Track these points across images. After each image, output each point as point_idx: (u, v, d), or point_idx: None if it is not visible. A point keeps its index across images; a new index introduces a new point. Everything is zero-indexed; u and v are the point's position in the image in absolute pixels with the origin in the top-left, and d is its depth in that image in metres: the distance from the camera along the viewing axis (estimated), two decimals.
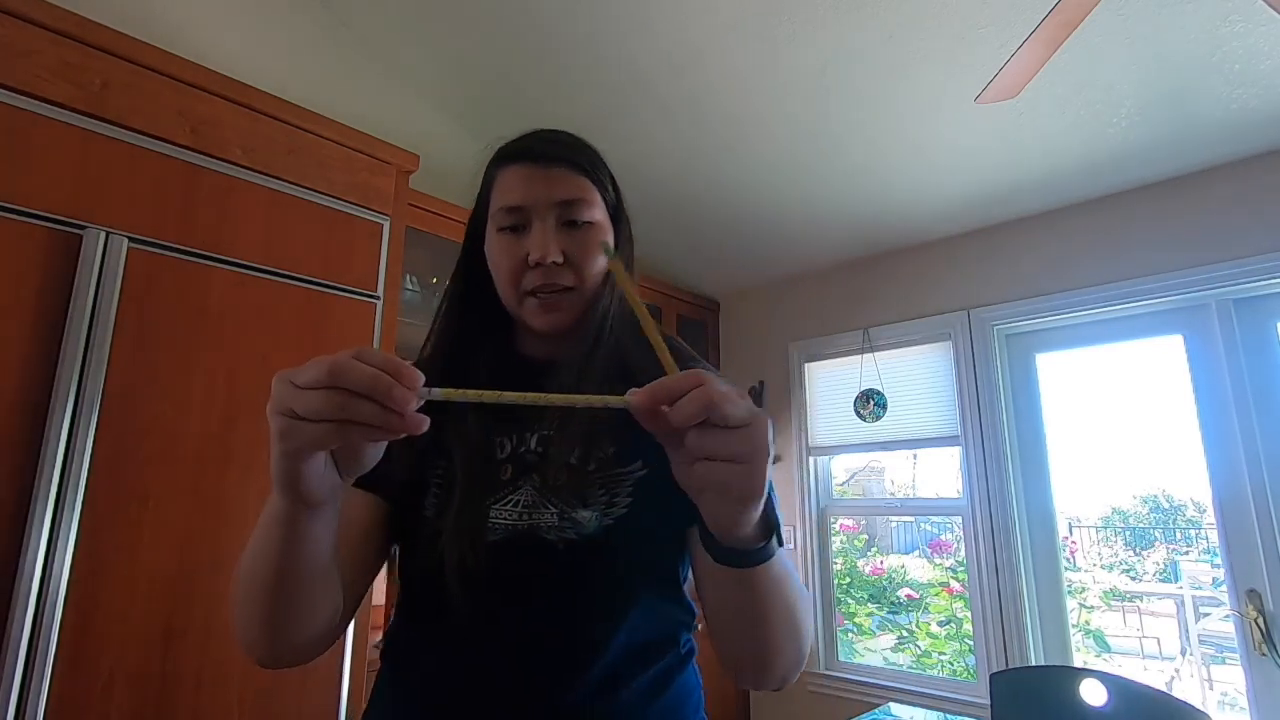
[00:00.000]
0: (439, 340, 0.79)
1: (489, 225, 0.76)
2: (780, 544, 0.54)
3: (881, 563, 3.08)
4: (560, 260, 0.71)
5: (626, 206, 0.81)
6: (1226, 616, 2.18)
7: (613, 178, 0.79)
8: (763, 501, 0.47)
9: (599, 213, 0.75)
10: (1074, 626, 2.46)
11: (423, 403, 0.43)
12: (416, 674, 0.69)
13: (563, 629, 0.65)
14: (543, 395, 0.46)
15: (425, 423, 0.42)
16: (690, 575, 0.74)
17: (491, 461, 0.71)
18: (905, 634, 2.95)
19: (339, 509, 0.53)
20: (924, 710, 1.77)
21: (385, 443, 0.48)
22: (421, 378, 0.42)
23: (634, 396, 0.45)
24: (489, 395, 0.45)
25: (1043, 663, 2.39)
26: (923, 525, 3.18)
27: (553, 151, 0.74)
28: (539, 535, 0.66)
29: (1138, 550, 3.21)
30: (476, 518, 0.66)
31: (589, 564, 0.66)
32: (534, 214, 0.72)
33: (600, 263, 0.75)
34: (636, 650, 0.67)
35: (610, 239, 0.77)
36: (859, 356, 2.98)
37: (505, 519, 0.67)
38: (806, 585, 2.39)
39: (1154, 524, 3.16)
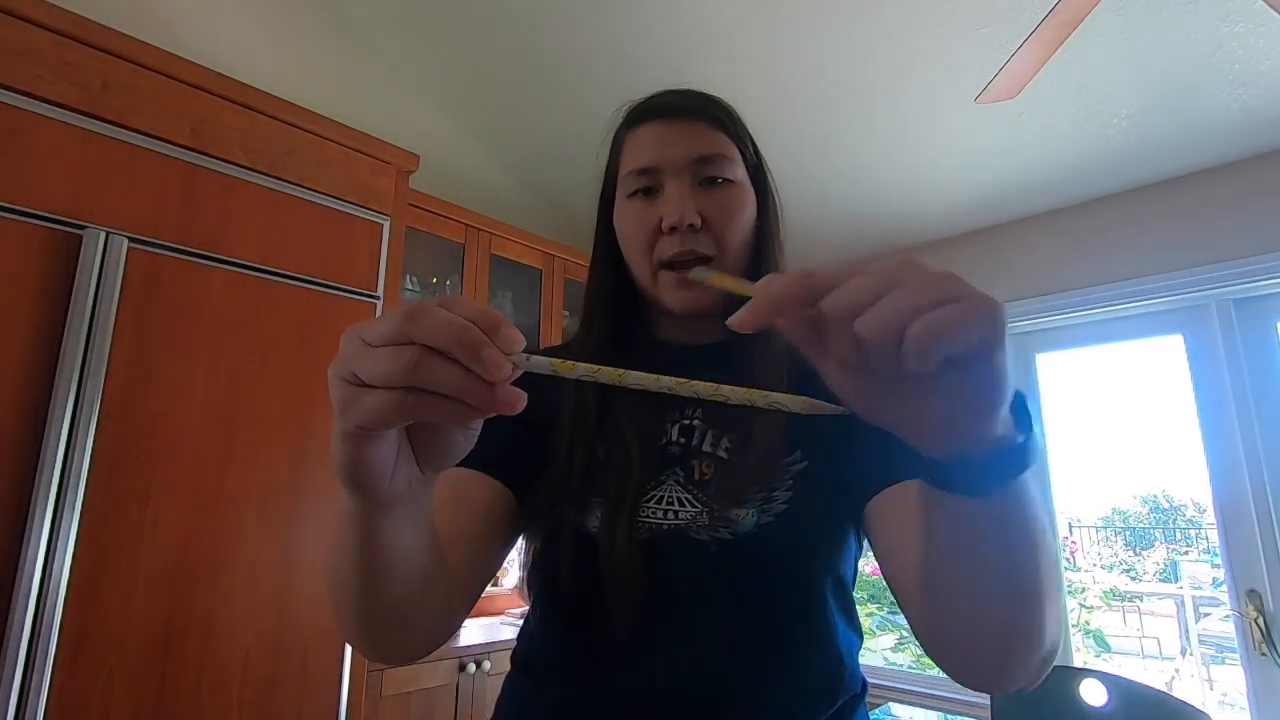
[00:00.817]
0: (585, 330, 0.71)
1: (618, 194, 0.69)
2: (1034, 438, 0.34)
3: None
4: (698, 224, 0.63)
5: (770, 173, 0.72)
6: (1226, 616, 2.18)
7: (753, 140, 0.71)
8: (1006, 365, 0.30)
9: (740, 171, 0.67)
10: (1074, 626, 2.46)
11: (519, 373, 0.33)
12: (561, 695, 0.60)
13: (724, 655, 0.56)
14: (689, 383, 0.34)
15: (521, 399, 0.32)
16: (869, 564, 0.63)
17: None
18: (905, 634, 2.95)
19: (425, 506, 0.44)
20: (924, 710, 1.77)
21: (477, 428, 0.38)
22: (522, 340, 0.33)
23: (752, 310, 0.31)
24: (609, 373, 0.34)
25: None
26: None
27: (686, 104, 0.67)
28: (687, 535, 0.58)
29: (1138, 550, 3.21)
30: (634, 518, 0.58)
31: (748, 568, 0.57)
32: (667, 174, 0.65)
33: (744, 227, 0.66)
34: (812, 684, 0.57)
35: (752, 202, 0.68)
36: None
37: (648, 518, 0.59)
38: None
39: (1154, 524, 3.15)
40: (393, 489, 0.37)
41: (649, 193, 0.65)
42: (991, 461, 0.33)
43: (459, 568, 0.54)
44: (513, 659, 0.67)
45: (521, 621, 0.70)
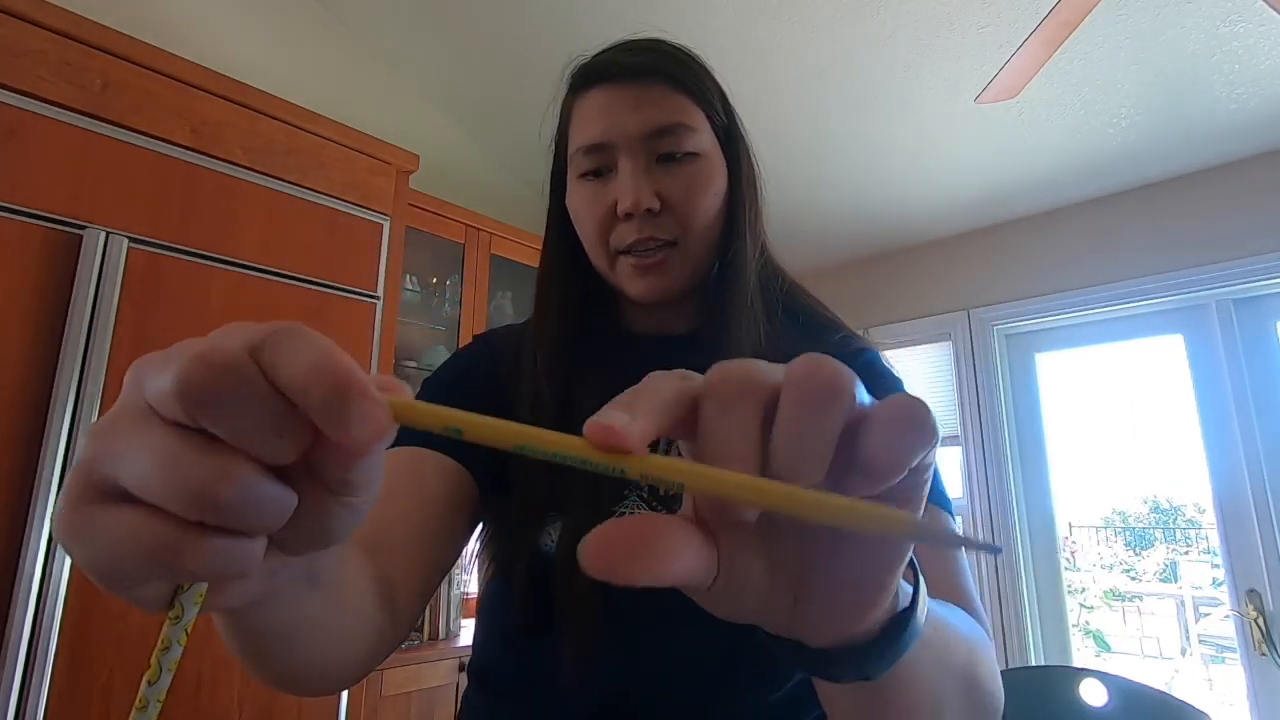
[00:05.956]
0: (539, 321, 0.63)
1: (569, 172, 0.61)
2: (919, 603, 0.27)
3: None
4: (656, 207, 0.55)
5: (744, 132, 0.63)
6: (1226, 616, 2.18)
7: (723, 95, 0.62)
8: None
9: (705, 140, 0.58)
10: (1074, 626, 2.46)
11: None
12: (516, 712, 0.57)
13: (681, 676, 0.52)
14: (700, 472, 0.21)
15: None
16: None
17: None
18: None
19: (318, 568, 0.31)
20: None
21: (363, 495, 0.22)
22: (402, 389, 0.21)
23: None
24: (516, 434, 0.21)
25: (1043, 663, 2.39)
26: None
27: (637, 64, 0.58)
28: None
29: (1138, 550, 3.21)
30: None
31: None
32: (620, 150, 0.56)
33: (711, 204, 0.57)
34: (772, 706, 0.53)
35: (721, 174, 0.59)
36: None
37: None
38: None
39: (1154, 524, 3.15)
40: (230, 602, 0.24)
41: (600, 174, 0.58)
42: (883, 637, 0.25)
43: (408, 568, 0.47)
44: (469, 671, 0.63)
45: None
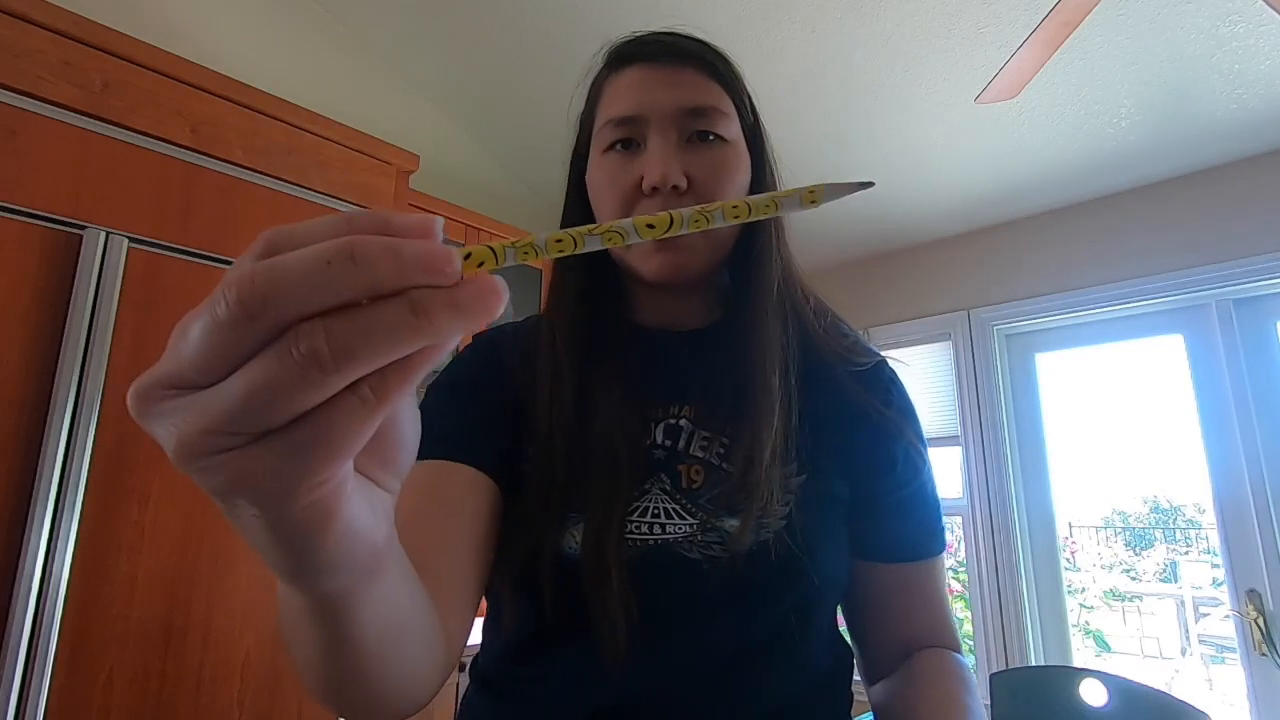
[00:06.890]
0: (555, 304, 0.62)
1: (593, 147, 0.60)
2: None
3: None
4: (683, 185, 0.54)
5: (768, 137, 0.63)
6: (1226, 616, 2.18)
7: (751, 98, 0.62)
8: None
9: (734, 128, 0.58)
10: (1074, 626, 2.46)
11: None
12: (532, 713, 0.55)
13: (708, 673, 0.52)
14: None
15: (499, 290, 0.20)
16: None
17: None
18: None
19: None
20: None
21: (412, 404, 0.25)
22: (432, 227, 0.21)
23: None
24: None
25: (1043, 663, 2.39)
26: None
27: (676, 47, 0.58)
28: (677, 552, 0.52)
29: (1138, 550, 3.21)
30: (621, 541, 0.52)
31: (742, 586, 0.51)
32: (650, 126, 0.56)
33: (736, 192, 0.57)
34: (806, 704, 0.54)
35: (746, 165, 0.59)
36: None
37: (633, 534, 0.53)
38: None
39: (1154, 524, 3.16)
40: (379, 544, 0.24)
41: (628, 145, 0.57)
42: None
43: (452, 588, 0.46)
44: (473, 672, 0.60)
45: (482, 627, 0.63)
